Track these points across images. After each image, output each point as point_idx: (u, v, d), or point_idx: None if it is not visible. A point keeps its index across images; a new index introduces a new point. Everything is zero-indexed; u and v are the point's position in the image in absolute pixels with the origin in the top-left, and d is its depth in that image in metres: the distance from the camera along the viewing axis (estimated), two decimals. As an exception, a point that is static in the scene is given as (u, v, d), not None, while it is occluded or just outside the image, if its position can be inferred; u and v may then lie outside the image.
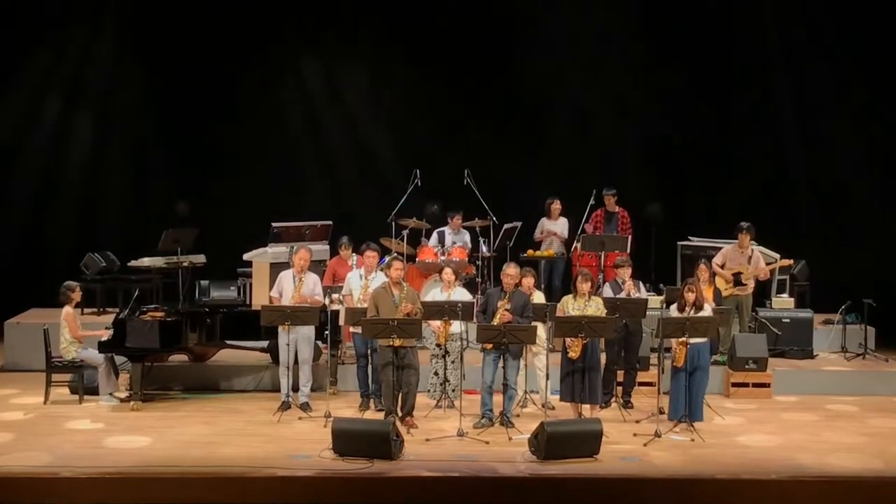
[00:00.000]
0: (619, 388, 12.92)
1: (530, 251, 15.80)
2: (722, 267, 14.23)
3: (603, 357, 12.37)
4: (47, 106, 17.41)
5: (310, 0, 17.55)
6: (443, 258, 14.75)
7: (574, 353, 11.67)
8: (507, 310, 11.79)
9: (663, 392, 12.13)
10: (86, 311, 14.92)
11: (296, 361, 12.66)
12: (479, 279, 15.26)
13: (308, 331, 12.64)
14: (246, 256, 15.27)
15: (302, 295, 12.73)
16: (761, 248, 14.92)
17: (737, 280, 14.23)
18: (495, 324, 11.67)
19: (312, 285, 12.92)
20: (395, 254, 14.18)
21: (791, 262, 15.22)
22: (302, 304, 12.60)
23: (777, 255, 15.04)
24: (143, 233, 16.28)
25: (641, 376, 13.19)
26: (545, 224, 15.99)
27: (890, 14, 17.05)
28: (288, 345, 12.49)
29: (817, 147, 17.57)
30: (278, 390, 12.74)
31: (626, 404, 12.83)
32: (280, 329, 12.51)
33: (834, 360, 14.79)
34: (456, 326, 12.37)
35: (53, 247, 17.37)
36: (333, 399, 12.72)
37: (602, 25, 17.60)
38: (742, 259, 14.30)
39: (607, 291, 12.80)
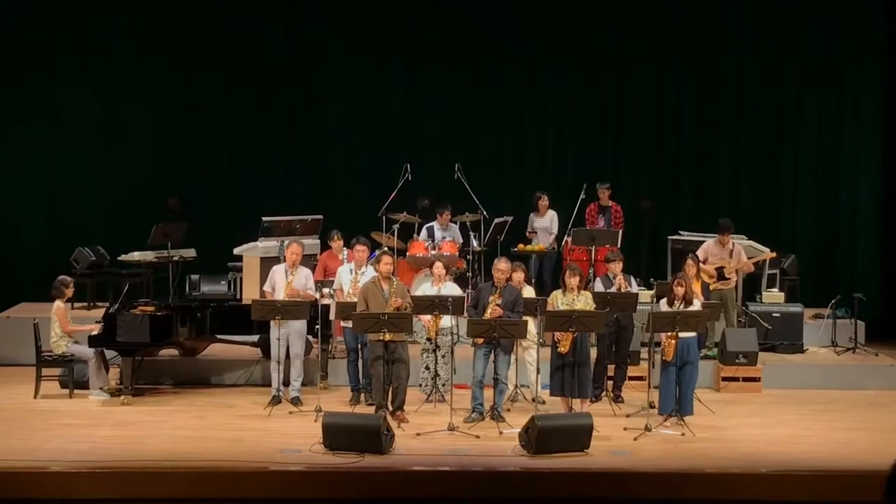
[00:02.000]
0: (610, 383, 12.92)
1: (521, 245, 15.79)
2: (704, 262, 14.22)
3: (593, 351, 12.37)
4: (39, 97, 17.33)
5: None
6: (433, 253, 14.74)
7: (563, 348, 11.67)
8: (497, 305, 11.79)
9: (653, 386, 12.14)
10: (76, 305, 14.87)
11: (287, 356, 12.65)
12: (469, 274, 15.25)
13: (300, 325, 12.63)
14: (236, 251, 15.26)
15: (294, 289, 12.73)
16: (751, 243, 14.95)
17: (720, 274, 14.25)
18: (486, 318, 11.68)
19: (305, 279, 12.91)
20: (385, 248, 14.18)
21: (775, 254, 15.21)
22: (294, 298, 12.59)
23: (767, 249, 15.07)
24: (133, 227, 16.26)
25: (632, 371, 13.18)
26: (533, 220, 15.98)
27: (883, 11, 17.12)
28: (279, 339, 12.47)
29: (808, 142, 17.59)
30: (269, 384, 12.74)
31: (617, 398, 12.83)
32: (272, 323, 12.50)
33: (824, 354, 14.83)
34: (446, 321, 12.35)
35: (43, 241, 17.33)
36: (324, 393, 12.71)
37: (594, 18, 17.61)
38: (724, 253, 14.32)
39: (598, 286, 12.81)
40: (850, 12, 17.36)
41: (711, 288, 14.08)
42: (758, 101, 17.60)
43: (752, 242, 15.05)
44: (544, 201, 15.93)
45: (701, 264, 14.10)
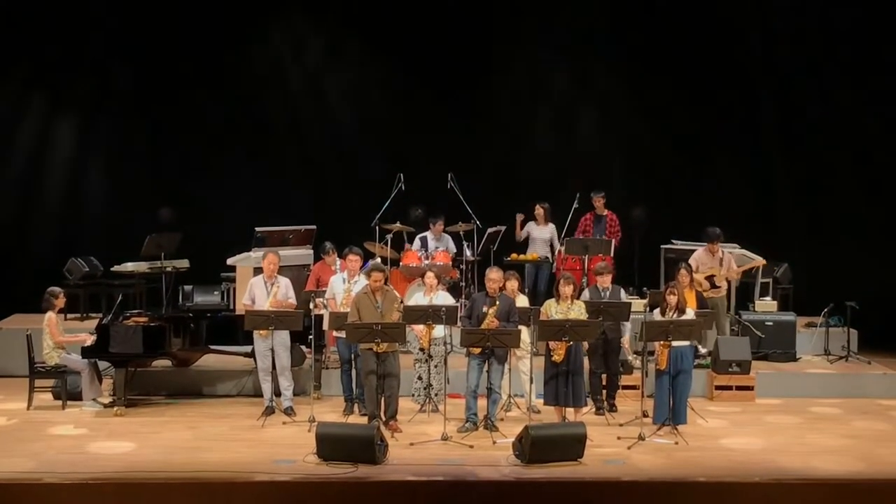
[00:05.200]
0: (603, 392, 12.92)
1: (514, 255, 15.78)
2: (696, 271, 14.24)
3: (586, 360, 12.37)
4: (30, 109, 17.33)
5: (294, 3, 17.54)
6: (426, 262, 14.73)
7: (558, 357, 11.67)
8: (494, 317, 11.77)
9: (647, 395, 12.15)
10: (69, 316, 14.86)
11: (274, 367, 12.63)
12: (462, 283, 15.25)
13: (284, 336, 12.60)
14: (230, 261, 15.26)
15: (278, 301, 12.70)
16: (743, 251, 14.97)
17: (711, 283, 14.27)
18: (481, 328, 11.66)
19: (284, 289, 12.87)
20: (378, 258, 14.18)
21: (764, 262, 15.22)
22: (278, 309, 12.57)
23: (758, 257, 15.08)
24: (126, 238, 16.24)
25: (625, 380, 13.17)
26: (531, 229, 15.92)
27: (870, 16, 17.15)
28: (272, 349, 12.46)
29: (800, 150, 17.62)
30: (262, 395, 12.72)
31: (611, 407, 12.83)
32: (256, 335, 12.49)
33: (817, 362, 14.84)
34: (439, 331, 12.35)
35: (37, 252, 17.31)
36: (317, 403, 12.71)
37: (585, 27, 17.63)
38: (713, 262, 14.35)
39: (586, 297, 12.77)
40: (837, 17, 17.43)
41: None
42: (751, 109, 17.64)
43: (743, 251, 15.06)
44: (540, 211, 15.86)
45: (693, 273, 14.14)
